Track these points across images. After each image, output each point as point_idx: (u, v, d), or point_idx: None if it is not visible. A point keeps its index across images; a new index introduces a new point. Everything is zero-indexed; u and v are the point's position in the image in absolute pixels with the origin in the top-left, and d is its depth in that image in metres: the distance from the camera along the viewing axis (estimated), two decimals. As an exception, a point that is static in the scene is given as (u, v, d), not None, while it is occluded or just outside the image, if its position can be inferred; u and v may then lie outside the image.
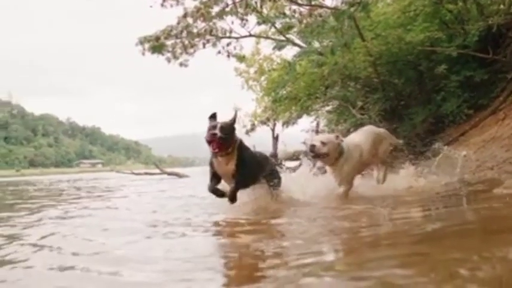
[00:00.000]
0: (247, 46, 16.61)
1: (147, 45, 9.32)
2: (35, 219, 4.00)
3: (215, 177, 3.65)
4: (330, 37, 8.50)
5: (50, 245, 2.58)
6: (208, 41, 9.50)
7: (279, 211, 3.56)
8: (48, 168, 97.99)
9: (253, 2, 8.89)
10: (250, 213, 3.49)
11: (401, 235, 2.36)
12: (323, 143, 3.99)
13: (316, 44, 9.43)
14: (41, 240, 2.74)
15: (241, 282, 1.75)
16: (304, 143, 4.40)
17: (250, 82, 19.21)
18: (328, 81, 8.35)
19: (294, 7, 9.02)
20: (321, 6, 8.49)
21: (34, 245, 2.59)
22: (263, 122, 19.39)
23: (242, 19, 9.36)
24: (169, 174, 16.62)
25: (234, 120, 3.58)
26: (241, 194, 3.64)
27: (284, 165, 4.92)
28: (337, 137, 4.12)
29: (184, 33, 9.17)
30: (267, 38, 11.02)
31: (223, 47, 9.90)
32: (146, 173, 18.80)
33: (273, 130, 19.28)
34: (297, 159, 8.93)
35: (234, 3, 8.83)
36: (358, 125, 6.61)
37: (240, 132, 4.00)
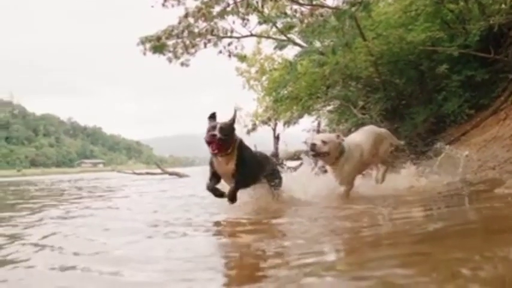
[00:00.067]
0: (248, 46, 16.59)
1: (148, 45, 9.31)
2: (36, 219, 4.00)
3: (215, 177, 3.65)
4: (331, 37, 8.50)
5: (51, 244, 2.58)
6: (209, 40, 9.49)
7: (280, 211, 3.56)
8: (50, 168, 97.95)
9: (254, 2, 8.88)
10: (251, 213, 3.49)
11: (403, 235, 2.35)
12: (324, 142, 4.00)
13: (318, 44, 9.43)
14: (42, 240, 2.74)
15: (242, 282, 1.74)
16: (305, 142, 4.41)
17: (252, 82, 19.19)
18: (329, 81, 8.35)
19: (295, 7, 9.02)
20: (322, 6, 8.48)
21: (35, 245, 2.59)
22: (264, 122, 19.35)
23: (243, 19, 9.35)
24: (170, 174, 16.66)
25: (233, 120, 3.57)
26: (242, 194, 3.64)
27: (285, 164, 4.92)
28: (338, 136, 4.12)
29: (185, 33, 9.17)
30: (268, 37, 10.99)
31: (224, 47, 9.88)
32: (147, 173, 18.82)
33: (274, 130, 19.24)
34: (298, 158, 8.90)
35: (235, 3, 8.82)
36: (359, 125, 6.59)
37: (241, 132, 3.99)
